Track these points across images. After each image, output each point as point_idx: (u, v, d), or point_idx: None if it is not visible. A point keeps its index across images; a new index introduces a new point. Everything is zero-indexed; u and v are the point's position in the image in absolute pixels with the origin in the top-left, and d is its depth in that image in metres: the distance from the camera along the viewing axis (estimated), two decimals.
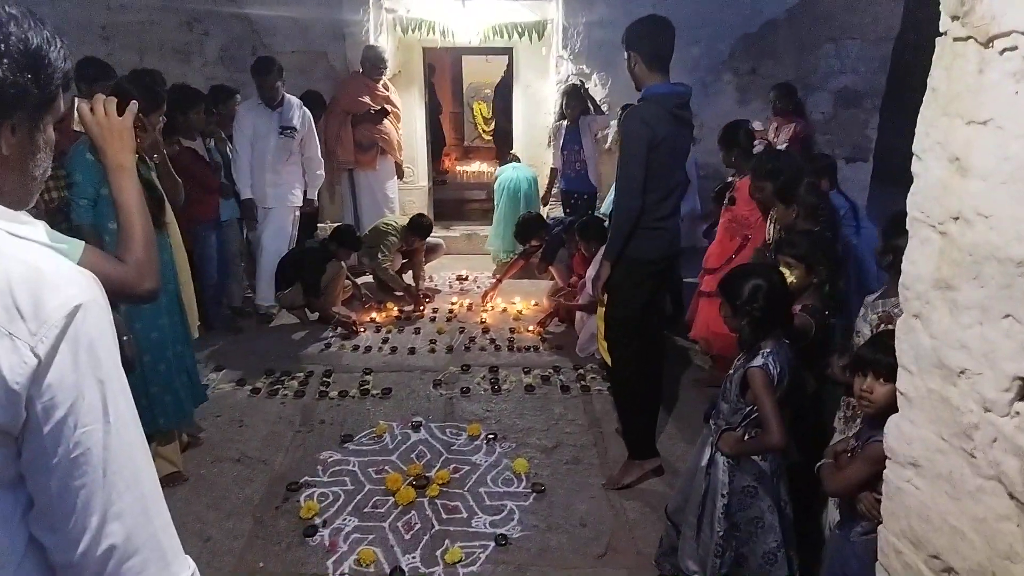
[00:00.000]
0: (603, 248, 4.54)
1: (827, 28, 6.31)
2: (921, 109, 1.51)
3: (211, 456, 3.39)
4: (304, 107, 5.14)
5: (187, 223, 4.37)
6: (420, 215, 5.71)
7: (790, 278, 2.54)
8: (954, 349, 1.43)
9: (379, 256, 5.44)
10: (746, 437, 2.19)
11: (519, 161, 6.66)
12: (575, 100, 5.80)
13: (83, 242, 1.28)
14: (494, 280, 5.78)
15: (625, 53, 2.95)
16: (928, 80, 1.49)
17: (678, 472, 3.18)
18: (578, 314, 4.60)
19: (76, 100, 1.62)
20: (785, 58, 6.38)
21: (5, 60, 0.85)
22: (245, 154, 4.89)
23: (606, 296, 3.13)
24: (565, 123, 5.94)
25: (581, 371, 4.34)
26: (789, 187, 3.13)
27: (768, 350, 2.16)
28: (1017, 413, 1.30)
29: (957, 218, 1.41)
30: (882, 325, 2.23)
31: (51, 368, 0.84)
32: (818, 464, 2.06)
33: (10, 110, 0.88)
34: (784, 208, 3.10)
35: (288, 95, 5.03)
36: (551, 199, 6.44)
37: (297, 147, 5.08)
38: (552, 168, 6.23)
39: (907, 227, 1.58)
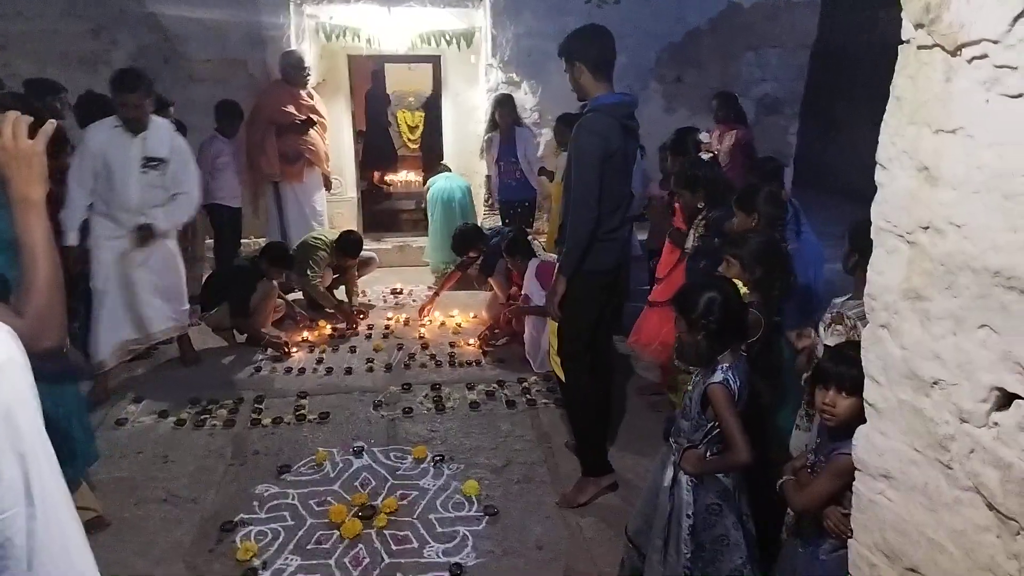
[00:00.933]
0: (533, 263, 4.55)
1: (748, 37, 6.50)
2: (885, 118, 1.49)
3: (134, 497, 3.12)
4: (176, 131, 4.09)
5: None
6: (349, 232, 5.51)
7: (743, 288, 2.54)
8: (926, 360, 1.41)
9: (308, 273, 5.21)
10: (708, 454, 2.15)
11: (450, 171, 6.55)
12: (506, 109, 5.75)
13: None
14: (430, 293, 5.64)
15: (565, 64, 2.89)
16: (891, 88, 1.47)
17: (631, 485, 3.14)
18: (528, 329, 4.49)
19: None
20: (709, 66, 6.52)
21: None
22: (77, 190, 3.77)
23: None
24: (497, 133, 5.88)
25: (526, 384, 4.26)
26: (746, 197, 3.16)
27: (727, 364, 2.12)
28: (995, 424, 1.28)
29: (927, 228, 1.39)
30: (832, 325, 2.24)
31: None
32: (779, 482, 2.03)
33: None
34: (745, 216, 3.12)
35: (156, 117, 3.97)
36: (485, 209, 6.37)
37: (167, 182, 3.98)
38: (487, 175, 6.18)
39: (872, 236, 1.56)
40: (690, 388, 2.21)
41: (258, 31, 5.99)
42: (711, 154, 4.17)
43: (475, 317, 5.35)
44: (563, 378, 3.14)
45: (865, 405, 1.61)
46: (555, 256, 4.53)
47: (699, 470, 2.13)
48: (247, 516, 3.00)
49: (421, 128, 10.35)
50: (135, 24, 5.91)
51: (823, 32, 6.85)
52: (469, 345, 4.88)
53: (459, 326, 5.24)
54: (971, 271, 1.29)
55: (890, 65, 1.45)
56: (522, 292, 4.59)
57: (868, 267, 1.59)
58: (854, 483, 1.68)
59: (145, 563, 2.72)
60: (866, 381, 1.60)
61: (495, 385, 4.25)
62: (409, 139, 10.89)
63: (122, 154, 3.80)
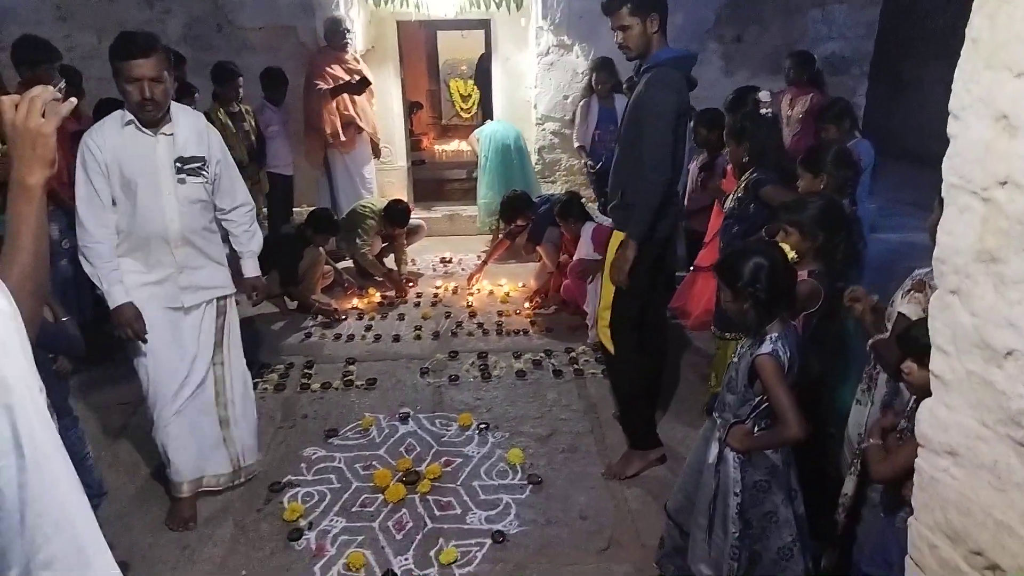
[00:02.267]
0: (588, 226, 4.45)
1: None
2: (959, 63, 1.35)
3: None
4: (204, 119, 2.79)
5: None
6: (396, 200, 5.50)
7: (790, 253, 2.41)
8: (1000, 328, 1.29)
9: (357, 241, 5.23)
10: (756, 430, 2.05)
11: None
12: (605, 74, 5.44)
13: None
14: (479, 262, 5.61)
15: (627, 17, 2.71)
16: (967, 30, 1.33)
17: (680, 458, 3.06)
18: (590, 296, 4.38)
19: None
20: (771, 24, 6.21)
21: None
22: (95, 225, 2.54)
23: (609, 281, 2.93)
24: (595, 99, 5.63)
25: (573, 354, 4.19)
26: (813, 157, 3.00)
27: (775, 334, 2.01)
28: None
29: (1005, 183, 1.26)
30: (912, 292, 2.08)
31: None
32: (863, 445, 1.90)
33: None
34: (812, 178, 2.94)
35: (174, 103, 2.64)
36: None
37: (213, 193, 2.75)
38: (578, 146, 5.94)
39: (942, 194, 1.43)
40: (735, 359, 2.11)
41: None
42: (770, 112, 3.96)
43: (523, 287, 5.29)
44: (612, 350, 3.04)
45: (931, 376, 1.50)
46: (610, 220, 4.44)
47: (746, 446, 2.03)
48: (295, 478, 3.05)
49: (475, 97, 10.26)
50: None
51: None
52: (516, 314, 4.83)
53: (507, 295, 5.20)
54: None
55: (966, 19, 1.31)
56: (574, 257, 4.50)
57: (938, 228, 1.46)
58: (916, 460, 1.57)
59: (195, 520, 2.79)
60: (932, 351, 1.48)
61: (542, 354, 4.20)
62: (461, 108, 10.82)
63: (144, 160, 2.55)
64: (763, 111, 3.80)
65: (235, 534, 2.72)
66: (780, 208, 2.66)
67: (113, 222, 2.56)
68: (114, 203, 2.57)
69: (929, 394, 1.53)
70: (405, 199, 6.05)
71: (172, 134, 2.58)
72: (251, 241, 2.95)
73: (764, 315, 2.00)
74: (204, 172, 2.66)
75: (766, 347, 1.96)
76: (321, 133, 5.67)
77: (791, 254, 2.30)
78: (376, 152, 6.16)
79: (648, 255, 2.83)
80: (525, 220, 5.14)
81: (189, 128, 2.64)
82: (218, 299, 2.83)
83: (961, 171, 1.37)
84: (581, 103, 5.93)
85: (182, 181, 2.61)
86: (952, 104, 1.38)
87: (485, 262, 5.50)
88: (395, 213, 5.29)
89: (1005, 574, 1.35)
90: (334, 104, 5.62)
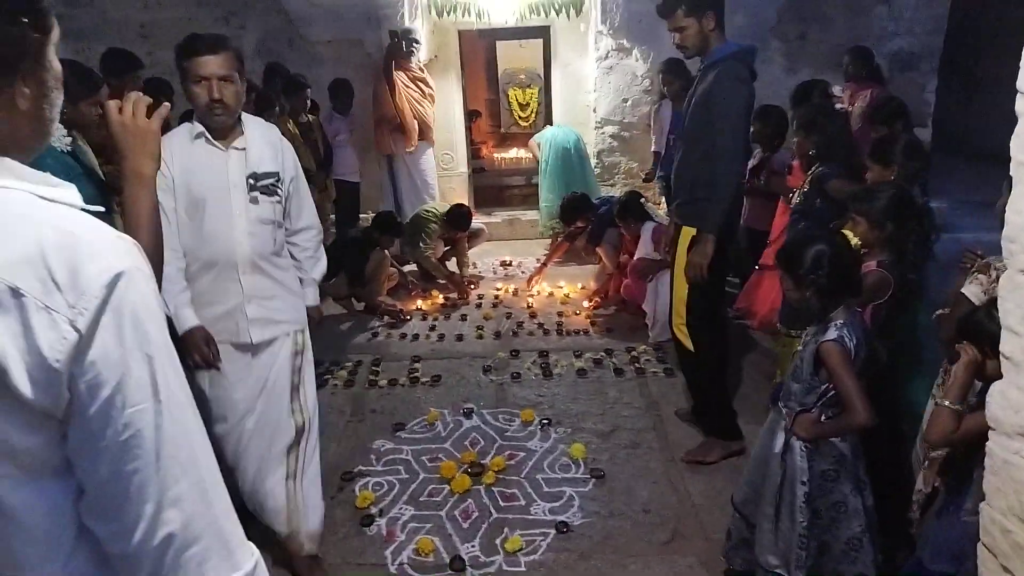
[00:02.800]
0: (648, 225, 4.46)
1: None
2: None
3: None
4: (278, 132, 2.50)
5: None
6: (458, 205, 5.63)
7: (854, 240, 2.38)
8: None
9: (421, 245, 5.38)
10: (823, 418, 2.04)
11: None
12: (673, 76, 5.20)
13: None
14: (538, 264, 5.68)
15: (683, 16, 2.74)
16: None
17: (745, 454, 3.05)
18: (649, 296, 4.40)
19: (107, 99, 1.50)
20: (835, 22, 6.11)
21: (1, 13, 0.77)
22: (176, 247, 2.28)
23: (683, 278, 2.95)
24: (666, 103, 5.54)
25: (634, 353, 4.21)
26: (883, 147, 2.97)
27: (841, 321, 2.00)
28: None
29: None
30: (975, 274, 2.05)
31: (93, 343, 0.77)
32: (934, 408, 1.84)
33: (19, 62, 0.80)
34: (881, 169, 2.90)
35: (245, 114, 2.37)
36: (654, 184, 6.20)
37: (282, 213, 2.45)
38: (654, 151, 5.93)
39: (1012, 172, 1.43)
40: (800, 348, 2.10)
41: (373, 10, 6.17)
42: (843, 107, 3.90)
43: (583, 288, 5.33)
44: (690, 346, 3.03)
45: (1001, 358, 1.49)
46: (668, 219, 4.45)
47: (813, 435, 2.02)
48: (365, 468, 3.17)
49: (533, 105, 10.37)
50: (262, 10, 6.26)
51: None
52: (576, 315, 4.87)
53: (567, 296, 5.25)
54: None
55: None
56: (635, 256, 4.52)
57: (1007, 206, 1.45)
58: (987, 443, 1.56)
59: None
60: (1003, 332, 1.47)
61: (603, 353, 4.23)
62: (520, 116, 10.94)
63: (214, 176, 2.30)
64: (837, 105, 3.75)
65: None
66: (849, 198, 2.63)
67: (180, 242, 2.29)
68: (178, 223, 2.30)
69: (987, 379, 1.52)
70: (465, 204, 6.18)
71: (244, 148, 2.31)
72: (315, 268, 2.64)
73: (828, 302, 2.00)
74: (278, 190, 2.38)
75: (831, 334, 1.96)
76: (391, 123, 5.85)
77: (855, 242, 2.28)
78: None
79: (720, 249, 2.84)
80: (585, 222, 5.18)
81: (263, 141, 2.37)
82: (295, 333, 2.49)
83: None
84: (652, 108, 5.92)
85: (255, 200, 2.32)
86: (1020, 82, 1.38)
87: (545, 264, 5.56)
88: (457, 217, 5.41)
89: None
90: (405, 103, 5.81)
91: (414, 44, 5.86)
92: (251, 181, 2.31)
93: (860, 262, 2.19)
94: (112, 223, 1.00)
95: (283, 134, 2.56)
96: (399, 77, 5.82)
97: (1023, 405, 1.44)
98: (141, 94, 1.44)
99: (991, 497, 1.56)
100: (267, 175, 2.35)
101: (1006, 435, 1.49)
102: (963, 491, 1.79)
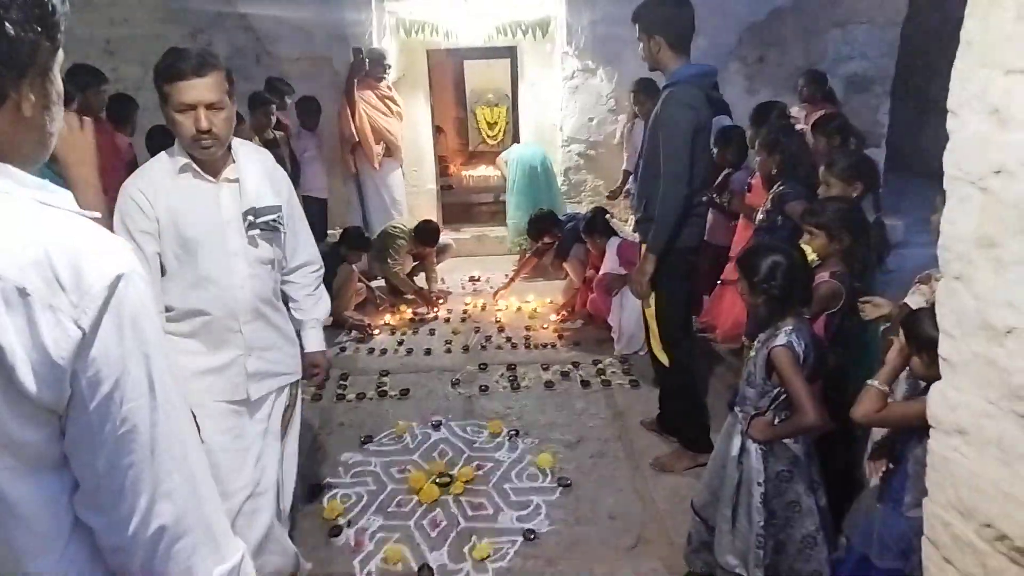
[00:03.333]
0: (614, 241, 4.56)
1: (834, 13, 6.27)
2: (955, 63, 1.47)
3: None
4: (272, 158, 2.24)
5: None
6: (426, 221, 5.67)
7: (811, 254, 2.49)
8: (1000, 308, 1.38)
9: (388, 260, 5.42)
10: (776, 420, 2.13)
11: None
12: (644, 96, 5.23)
13: None
14: (507, 279, 5.74)
15: (640, 38, 2.84)
16: (961, 34, 1.45)
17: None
18: (614, 309, 4.50)
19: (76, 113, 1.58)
20: (792, 46, 6.34)
21: (15, 15, 0.80)
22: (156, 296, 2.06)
23: (653, 295, 3.01)
24: (638, 122, 5.58)
25: (601, 365, 4.28)
26: (838, 161, 3.09)
27: (790, 327, 2.10)
28: None
29: (999, 172, 1.36)
30: (918, 285, 2.18)
31: (96, 340, 0.81)
32: (866, 387, 1.91)
33: (28, 68, 0.84)
34: (845, 186, 3.00)
35: (235, 138, 2.08)
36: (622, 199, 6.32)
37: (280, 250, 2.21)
38: (624, 171, 6.03)
39: (945, 187, 1.53)
40: (753, 354, 2.20)
41: (342, 29, 6.22)
42: (801, 128, 4.06)
43: (551, 303, 5.41)
44: (667, 362, 3.10)
45: (940, 361, 1.58)
46: (635, 235, 4.56)
47: (767, 437, 2.11)
48: (333, 480, 3.18)
49: (500, 124, 10.49)
50: (230, 27, 6.27)
51: (917, 8, 6.54)
52: (544, 329, 4.94)
53: (535, 311, 5.32)
54: None
55: None
56: (600, 271, 4.62)
57: (943, 217, 1.56)
58: (928, 441, 1.65)
59: None
60: (940, 336, 1.57)
61: (570, 366, 4.30)
62: (488, 135, 11.06)
63: (206, 215, 2.02)
64: (796, 126, 3.90)
65: None
66: (804, 214, 2.74)
67: (168, 291, 2.02)
68: (163, 270, 2.02)
69: (916, 376, 1.63)
70: (433, 219, 6.24)
71: (237, 179, 2.03)
72: (316, 307, 2.37)
73: (777, 309, 2.10)
74: (280, 225, 2.10)
75: (781, 339, 2.06)
76: (349, 143, 5.94)
77: (811, 256, 2.39)
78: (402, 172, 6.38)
79: (682, 265, 2.93)
80: (552, 238, 5.27)
81: (259, 170, 2.08)
82: (290, 386, 2.29)
83: (960, 164, 1.48)
84: (626, 127, 6.04)
85: (253, 241, 2.05)
86: (950, 102, 1.50)
87: (512, 279, 5.63)
88: (425, 233, 5.46)
89: (1013, 543, 1.42)
90: (366, 122, 5.86)
91: (384, 66, 5.92)
92: (251, 218, 2.03)
93: (812, 275, 2.30)
94: None
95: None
96: (366, 96, 5.88)
97: (959, 404, 1.53)
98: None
99: (933, 492, 1.65)
100: (268, 210, 2.06)
101: (944, 432, 1.59)
102: (898, 486, 1.89)
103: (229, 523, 0.99)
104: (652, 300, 3.03)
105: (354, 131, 5.90)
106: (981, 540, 1.50)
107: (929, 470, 1.66)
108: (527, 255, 5.75)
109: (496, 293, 5.54)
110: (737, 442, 2.19)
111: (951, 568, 1.62)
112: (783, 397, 2.09)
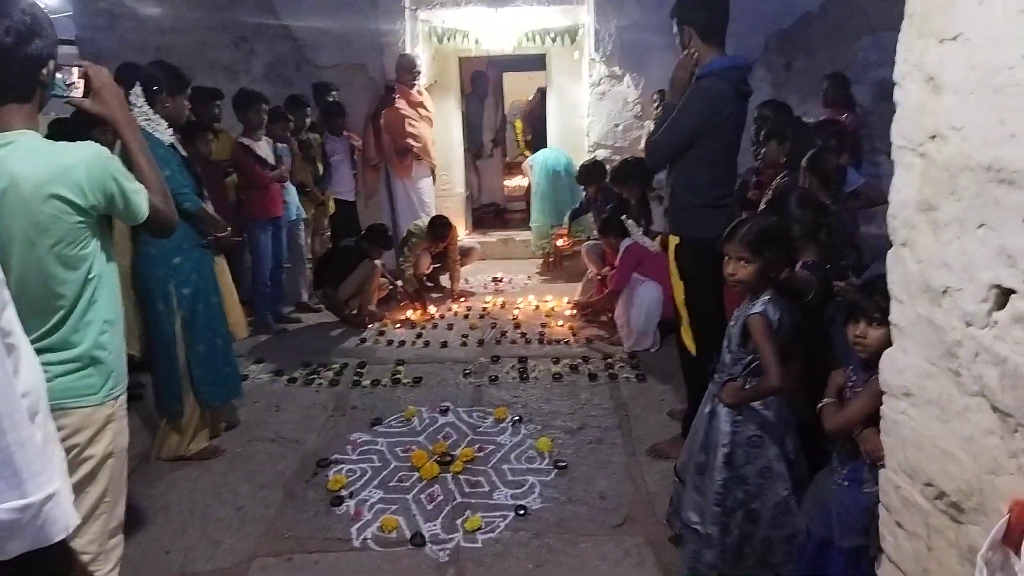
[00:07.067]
0: (626, 242, 4.63)
1: (863, 20, 6.24)
2: (899, 36, 1.53)
3: (248, 436, 3.52)
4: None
5: (241, 221, 4.64)
6: (437, 216, 5.79)
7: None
8: (937, 268, 1.43)
9: (399, 258, 5.61)
10: (746, 386, 2.19)
11: None
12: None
13: None
14: (529, 281, 5.85)
15: (675, 27, 2.88)
16: (905, 6, 1.51)
17: None
18: (620, 308, 4.59)
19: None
20: (821, 52, 6.32)
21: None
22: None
23: (683, 284, 3.04)
24: None
25: (609, 360, 4.35)
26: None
27: (767, 297, 2.17)
28: (995, 323, 1.30)
29: (934, 136, 1.42)
30: None
31: None
32: (820, 404, 2.02)
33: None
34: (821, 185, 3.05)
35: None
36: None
37: None
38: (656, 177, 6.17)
39: (892, 156, 1.59)
40: (732, 323, 2.26)
41: (377, 37, 6.46)
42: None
43: (569, 302, 5.49)
44: (694, 351, 3.07)
45: (891, 327, 1.63)
46: (648, 240, 4.63)
47: (736, 400, 2.17)
48: (340, 456, 3.31)
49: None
50: (271, 36, 6.56)
51: None
52: (559, 326, 5.03)
53: (552, 310, 5.41)
54: (969, 171, 1.32)
55: None
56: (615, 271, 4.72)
57: (891, 188, 1.61)
58: (881, 407, 1.69)
59: (251, 487, 3.07)
60: (891, 302, 1.62)
61: (580, 360, 4.38)
62: (526, 145, 11.18)
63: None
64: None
65: (284, 499, 2.98)
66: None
67: None
68: None
69: (877, 356, 1.68)
70: (463, 225, 6.39)
71: None
72: None
73: (758, 278, 2.16)
74: None
75: (758, 307, 2.13)
76: (371, 162, 6.18)
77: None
78: (432, 176, 6.53)
79: (708, 253, 2.93)
80: (596, 189, 5.50)
81: None
82: None
83: (904, 132, 1.54)
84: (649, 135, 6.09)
85: None
86: (895, 74, 1.56)
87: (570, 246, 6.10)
88: (435, 227, 5.59)
89: (950, 499, 1.45)
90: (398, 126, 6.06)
91: (415, 73, 6.08)
92: None
93: (794, 253, 2.36)
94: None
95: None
96: (399, 103, 6.06)
97: (907, 367, 1.58)
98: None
99: (887, 457, 1.69)
100: None
101: (894, 396, 1.63)
102: (857, 465, 1.93)
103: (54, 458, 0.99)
104: (682, 289, 3.05)
105: (374, 154, 6.15)
106: (924, 499, 1.54)
107: (883, 435, 1.70)
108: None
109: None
110: (709, 405, 2.26)
111: (901, 532, 1.65)
112: (755, 364, 2.15)
